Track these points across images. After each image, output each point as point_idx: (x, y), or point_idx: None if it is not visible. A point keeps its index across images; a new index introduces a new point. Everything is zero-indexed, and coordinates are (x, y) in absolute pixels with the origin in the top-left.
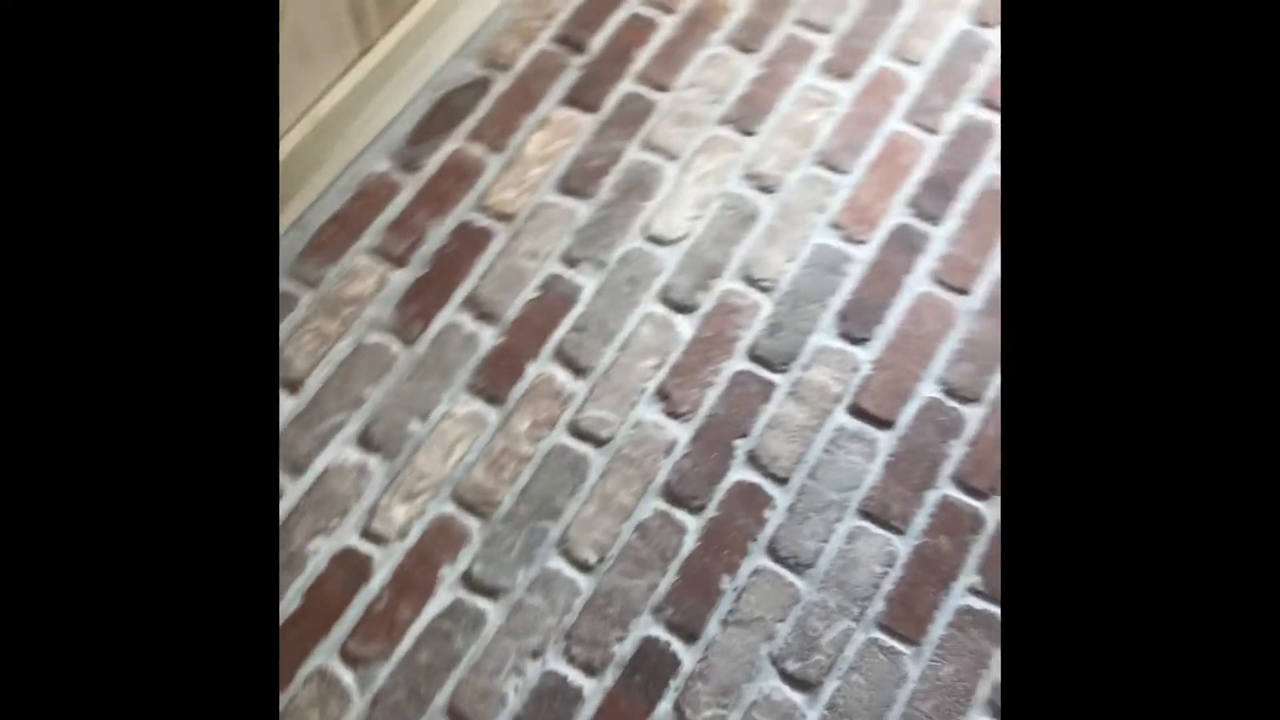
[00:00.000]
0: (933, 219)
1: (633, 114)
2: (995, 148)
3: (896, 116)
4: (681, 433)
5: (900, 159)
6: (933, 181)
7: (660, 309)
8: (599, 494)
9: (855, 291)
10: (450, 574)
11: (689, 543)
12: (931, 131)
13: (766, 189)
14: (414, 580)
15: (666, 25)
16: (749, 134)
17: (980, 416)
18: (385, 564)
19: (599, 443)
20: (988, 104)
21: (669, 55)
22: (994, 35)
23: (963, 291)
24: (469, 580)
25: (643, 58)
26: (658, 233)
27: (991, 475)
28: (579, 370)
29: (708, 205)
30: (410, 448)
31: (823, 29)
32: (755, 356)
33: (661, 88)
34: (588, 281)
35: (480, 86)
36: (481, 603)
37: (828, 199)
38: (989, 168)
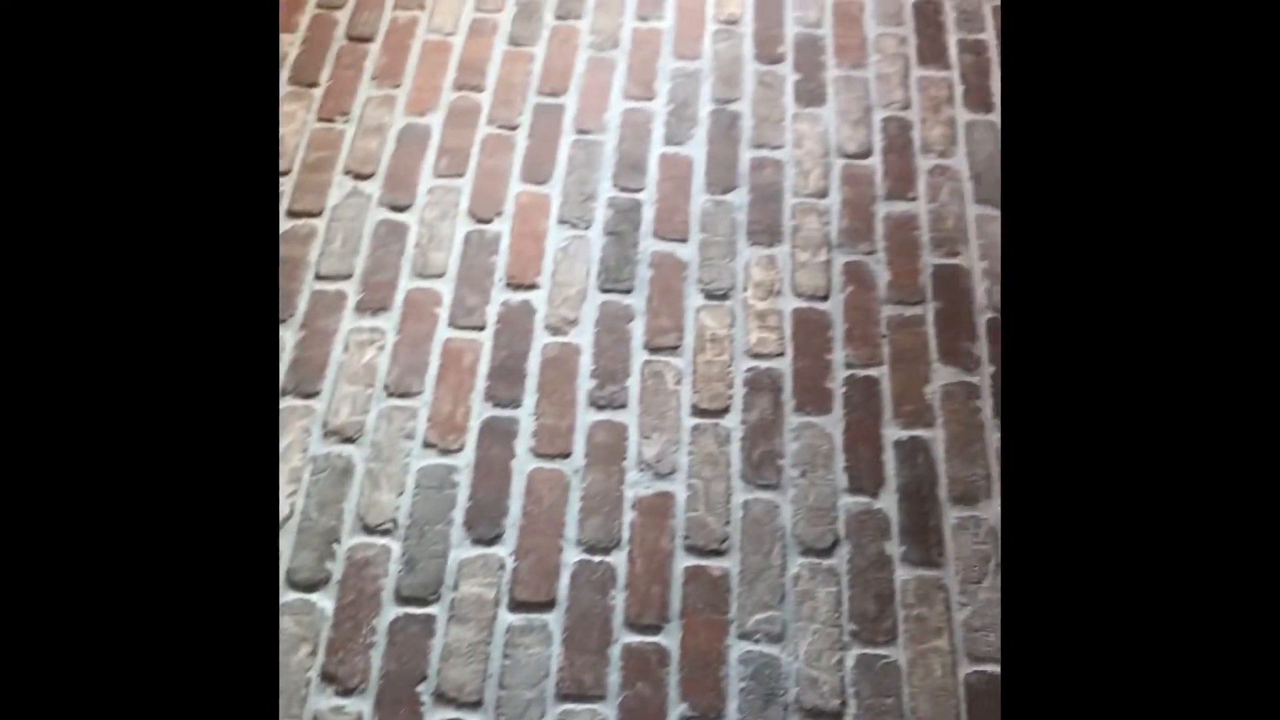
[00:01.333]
0: (512, 403)
1: None
2: (539, 320)
3: (442, 327)
4: (362, 706)
5: (461, 363)
6: (498, 371)
7: (292, 595)
8: None
9: (471, 497)
10: None
11: None
12: (478, 329)
13: (350, 439)
14: None
15: None
16: (312, 395)
17: (625, 558)
18: None
19: None
20: (515, 286)
21: None
22: (496, 227)
23: (564, 455)
24: None
25: None
26: None
27: (658, 607)
28: None
29: (300, 477)
30: None
31: (343, 276)
32: (403, 599)
33: None
34: None
35: None
36: None
37: (411, 424)
38: (541, 339)
